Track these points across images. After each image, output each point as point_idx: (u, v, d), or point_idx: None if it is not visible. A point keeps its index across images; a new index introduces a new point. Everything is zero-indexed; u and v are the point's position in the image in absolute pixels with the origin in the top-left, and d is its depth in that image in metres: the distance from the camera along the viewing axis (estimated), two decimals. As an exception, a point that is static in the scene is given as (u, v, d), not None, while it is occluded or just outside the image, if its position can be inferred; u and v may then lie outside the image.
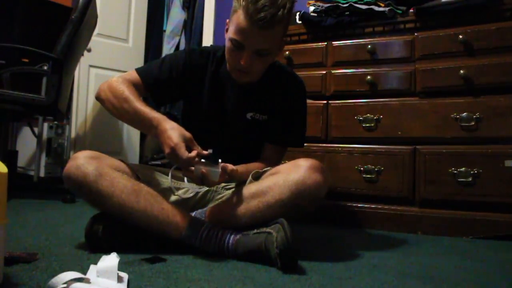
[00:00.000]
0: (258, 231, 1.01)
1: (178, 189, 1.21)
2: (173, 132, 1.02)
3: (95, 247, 1.03)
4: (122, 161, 1.18)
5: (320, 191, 1.05)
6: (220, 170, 1.03)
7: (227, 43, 1.14)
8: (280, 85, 1.29)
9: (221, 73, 1.27)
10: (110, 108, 1.16)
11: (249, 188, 1.09)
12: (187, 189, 1.22)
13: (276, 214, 1.03)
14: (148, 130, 1.10)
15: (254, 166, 1.22)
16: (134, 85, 1.18)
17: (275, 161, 1.30)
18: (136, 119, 1.11)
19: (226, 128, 1.28)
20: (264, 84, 1.27)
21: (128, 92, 1.13)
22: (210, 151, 1.03)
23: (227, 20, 1.16)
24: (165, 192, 1.18)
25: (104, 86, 1.18)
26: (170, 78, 1.23)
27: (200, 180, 1.03)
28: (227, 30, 1.16)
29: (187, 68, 1.24)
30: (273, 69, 1.28)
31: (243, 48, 1.10)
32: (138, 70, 1.24)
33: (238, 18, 1.07)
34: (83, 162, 1.05)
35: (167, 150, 1.02)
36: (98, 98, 1.20)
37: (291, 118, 1.31)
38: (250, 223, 1.05)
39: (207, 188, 1.24)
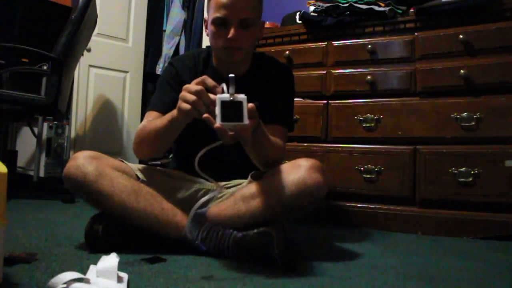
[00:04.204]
0: (258, 231, 1.01)
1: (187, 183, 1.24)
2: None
3: (95, 247, 1.03)
4: (122, 161, 1.18)
5: (321, 191, 1.05)
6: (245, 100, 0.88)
7: (211, 28, 1.16)
8: (267, 73, 1.30)
9: (208, 72, 1.27)
10: (146, 149, 1.19)
11: (249, 188, 1.09)
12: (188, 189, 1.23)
13: (277, 214, 1.03)
14: (175, 125, 1.06)
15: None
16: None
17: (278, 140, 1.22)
18: (163, 129, 1.09)
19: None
20: (251, 74, 1.28)
21: (148, 125, 1.15)
22: (223, 85, 0.92)
23: (205, 17, 1.21)
24: (165, 192, 1.18)
25: (133, 145, 1.22)
26: (172, 94, 1.24)
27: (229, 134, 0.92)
28: (206, 27, 1.20)
29: (179, 75, 1.27)
30: (258, 59, 1.31)
31: (227, 24, 1.12)
32: (149, 109, 1.27)
33: None
34: (83, 162, 1.05)
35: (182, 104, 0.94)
36: (137, 154, 1.24)
37: (278, 99, 1.29)
38: (250, 223, 1.05)
39: (208, 187, 1.25)
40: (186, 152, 1.36)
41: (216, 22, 1.13)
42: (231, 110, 0.87)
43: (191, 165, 1.33)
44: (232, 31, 1.11)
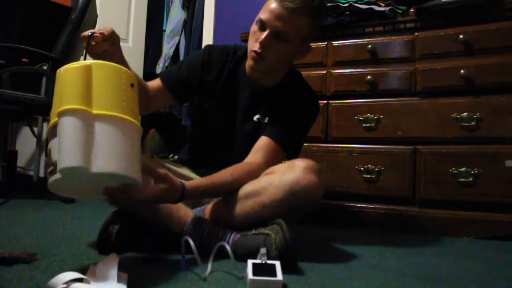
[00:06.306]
0: (257, 232, 1.01)
1: None
2: None
3: (106, 249, 1.01)
4: None
5: (315, 192, 1.04)
6: None
7: (252, 27, 1.17)
8: (291, 94, 1.27)
9: (238, 72, 1.28)
10: None
11: (244, 188, 1.08)
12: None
13: (271, 214, 1.02)
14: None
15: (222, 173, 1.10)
16: (156, 91, 1.21)
17: (260, 158, 1.16)
18: None
19: (234, 128, 1.28)
20: (278, 89, 1.27)
21: None
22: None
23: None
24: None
25: None
26: (188, 76, 1.26)
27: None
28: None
29: (205, 65, 1.27)
30: (292, 79, 1.30)
31: (265, 28, 1.13)
32: (160, 74, 1.27)
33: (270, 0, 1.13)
34: None
35: None
36: None
37: (288, 119, 1.23)
38: (246, 223, 1.05)
39: None
40: (200, 147, 1.36)
41: (257, 22, 1.15)
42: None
43: (202, 160, 1.34)
44: (264, 36, 1.12)
